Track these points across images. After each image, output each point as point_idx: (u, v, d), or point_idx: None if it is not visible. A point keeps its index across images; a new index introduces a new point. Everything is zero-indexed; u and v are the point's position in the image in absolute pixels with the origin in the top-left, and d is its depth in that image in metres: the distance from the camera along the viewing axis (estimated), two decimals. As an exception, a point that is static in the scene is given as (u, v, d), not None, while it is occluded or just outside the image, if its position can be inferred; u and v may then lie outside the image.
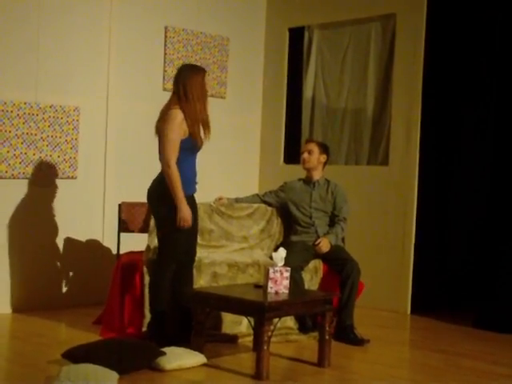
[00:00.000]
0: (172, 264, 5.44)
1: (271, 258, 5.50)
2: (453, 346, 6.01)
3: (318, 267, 6.30)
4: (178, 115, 5.32)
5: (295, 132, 8.47)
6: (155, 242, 6.03)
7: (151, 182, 5.49)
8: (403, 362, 5.73)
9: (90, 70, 7.12)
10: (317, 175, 6.50)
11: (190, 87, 5.39)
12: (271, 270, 5.13)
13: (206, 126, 5.47)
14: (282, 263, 5.20)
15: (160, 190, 5.39)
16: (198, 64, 7.36)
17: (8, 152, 6.54)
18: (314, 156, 6.44)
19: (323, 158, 6.49)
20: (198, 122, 5.40)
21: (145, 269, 5.85)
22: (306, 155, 6.45)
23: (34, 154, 6.68)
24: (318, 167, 6.49)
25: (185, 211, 5.33)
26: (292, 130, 8.50)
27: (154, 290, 5.49)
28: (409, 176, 7.33)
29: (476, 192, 7.34)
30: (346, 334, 5.97)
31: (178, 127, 5.31)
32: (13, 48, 6.63)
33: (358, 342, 5.92)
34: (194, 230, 5.59)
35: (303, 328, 6.10)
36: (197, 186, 5.55)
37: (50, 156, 6.78)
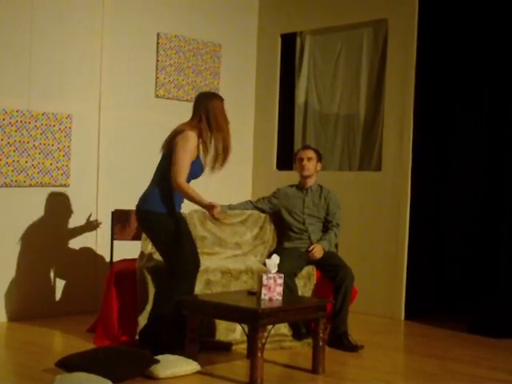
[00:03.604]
0: (188, 278, 5.44)
1: (264, 264, 5.50)
2: (447, 352, 6.00)
3: (312, 273, 6.30)
4: (194, 138, 5.36)
5: (288, 138, 8.47)
6: (149, 249, 6.03)
7: (138, 199, 5.53)
8: (398, 367, 5.73)
9: (82, 78, 7.11)
10: (311, 182, 6.50)
11: (214, 116, 5.44)
12: (265, 277, 5.13)
13: (227, 153, 5.50)
14: (276, 270, 5.19)
15: (149, 209, 5.42)
16: (190, 71, 7.40)
17: (0, 160, 6.51)
18: (312, 163, 6.45)
19: (319, 166, 6.51)
20: (226, 148, 5.46)
21: (138, 276, 5.84)
22: (306, 162, 6.44)
23: (26, 162, 6.66)
24: (314, 174, 6.50)
25: (206, 203, 5.32)
26: (285, 136, 8.50)
27: (163, 299, 5.45)
28: (402, 181, 7.34)
29: (470, 197, 7.35)
30: (341, 341, 5.96)
31: (192, 150, 5.36)
32: (5, 56, 6.61)
33: (353, 348, 5.90)
34: (190, 240, 5.59)
35: (297, 335, 6.09)
36: (182, 205, 5.59)
37: (43, 164, 6.76)
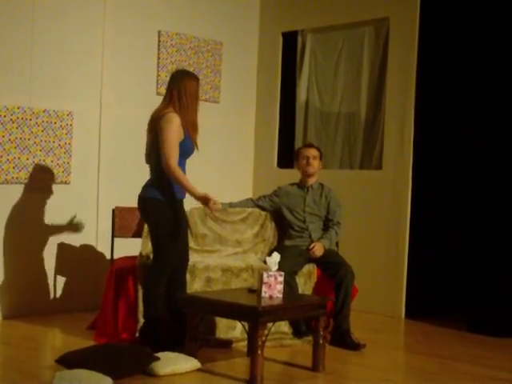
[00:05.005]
0: (167, 270, 5.44)
1: (265, 262, 5.50)
2: (447, 350, 6.00)
3: (312, 272, 6.30)
4: (175, 119, 5.33)
5: (289, 136, 8.46)
6: (148, 249, 6.02)
7: (141, 188, 5.50)
8: (398, 366, 5.73)
9: (83, 75, 7.11)
10: (312, 180, 6.51)
11: (184, 92, 5.41)
12: (265, 275, 5.13)
13: (195, 130, 5.50)
14: (276, 268, 5.19)
15: (150, 196, 5.40)
16: (192, 69, 7.40)
17: (1, 157, 6.52)
18: (316, 162, 6.47)
19: (321, 164, 6.53)
20: (192, 125, 5.43)
21: (138, 274, 5.84)
22: (312, 161, 6.45)
23: (27, 159, 6.66)
24: (316, 173, 6.51)
25: (200, 195, 5.32)
26: (286, 134, 8.50)
27: (148, 296, 5.48)
28: (403, 180, 7.33)
29: (471, 196, 7.33)
30: (343, 339, 5.95)
31: (177, 130, 5.33)
32: (6, 53, 6.60)
33: (355, 346, 5.90)
34: (185, 235, 5.60)
35: (297, 332, 6.09)
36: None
37: (44, 161, 6.76)
